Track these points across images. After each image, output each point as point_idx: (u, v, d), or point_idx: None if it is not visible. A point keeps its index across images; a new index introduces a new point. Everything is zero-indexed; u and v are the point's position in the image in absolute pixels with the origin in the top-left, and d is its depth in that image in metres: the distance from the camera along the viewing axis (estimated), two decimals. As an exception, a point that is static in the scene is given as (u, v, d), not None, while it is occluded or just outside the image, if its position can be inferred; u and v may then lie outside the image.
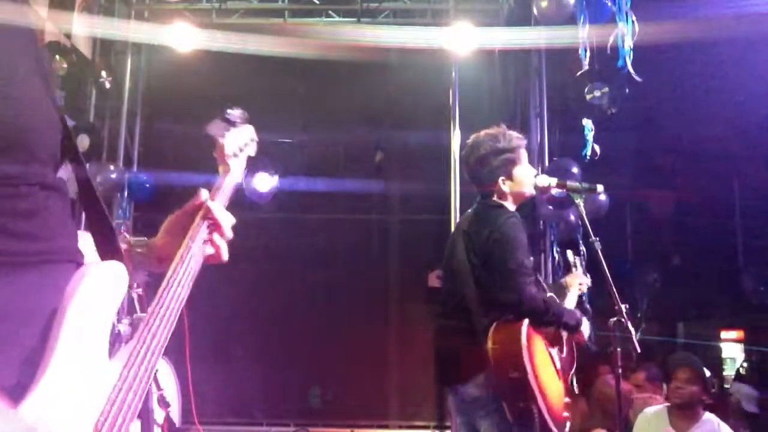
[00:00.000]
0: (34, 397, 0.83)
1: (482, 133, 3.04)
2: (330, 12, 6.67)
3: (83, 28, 6.04)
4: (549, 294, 2.93)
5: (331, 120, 7.00)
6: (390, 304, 6.91)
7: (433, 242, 6.46)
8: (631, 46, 4.87)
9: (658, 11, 5.22)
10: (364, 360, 6.61)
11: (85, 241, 1.11)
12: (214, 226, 1.22)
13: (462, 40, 6.12)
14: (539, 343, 2.68)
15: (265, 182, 6.27)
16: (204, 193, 1.26)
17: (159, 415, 3.98)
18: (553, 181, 3.02)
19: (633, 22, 4.91)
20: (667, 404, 3.93)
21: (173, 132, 6.74)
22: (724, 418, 3.94)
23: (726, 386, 5.29)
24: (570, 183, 3.03)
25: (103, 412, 0.89)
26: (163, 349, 1.04)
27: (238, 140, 1.42)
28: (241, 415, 6.46)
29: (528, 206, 5.71)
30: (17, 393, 0.82)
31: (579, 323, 2.79)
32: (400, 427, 6.65)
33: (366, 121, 6.97)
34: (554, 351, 2.80)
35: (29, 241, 0.94)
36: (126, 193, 6.44)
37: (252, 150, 1.51)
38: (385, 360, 6.81)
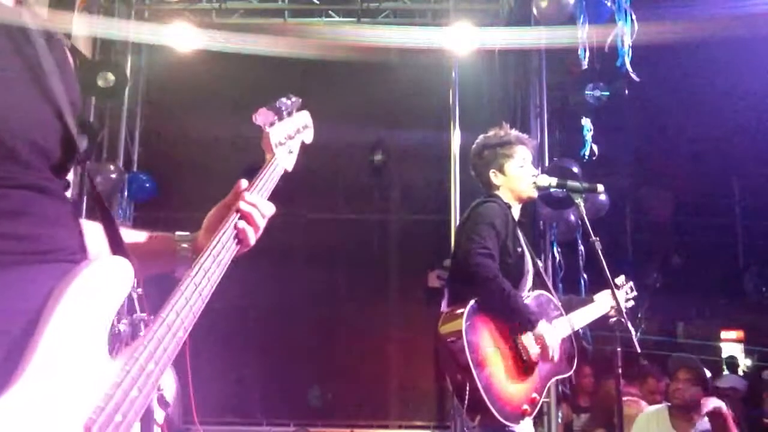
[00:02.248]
0: (11, 394, 0.82)
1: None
2: (330, 12, 6.67)
3: (83, 28, 6.03)
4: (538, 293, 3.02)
5: (331, 120, 6.99)
6: (390, 304, 6.90)
7: (433, 242, 6.47)
8: (630, 45, 4.87)
9: (658, 11, 5.22)
10: (364, 360, 6.62)
11: (97, 239, 1.10)
12: (245, 217, 1.22)
13: (462, 40, 6.12)
14: (491, 332, 2.74)
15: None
16: (243, 183, 1.26)
17: (159, 415, 3.98)
18: (553, 181, 3.03)
19: (633, 20, 4.91)
20: (668, 404, 3.93)
21: (173, 132, 6.74)
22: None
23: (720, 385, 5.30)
24: (570, 183, 3.03)
25: (96, 409, 0.87)
26: (180, 345, 1.02)
27: (287, 128, 1.41)
28: (241, 415, 6.46)
29: (528, 206, 5.72)
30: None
31: (528, 321, 2.76)
32: (400, 427, 6.65)
33: (366, 121, 6.97)
34: (532, 350, 2.77)
35: (13, 240, 0.93)
36: (126, 193, 6.45)
37: (307, 136, 1.50)
38: (385, 360, 6.81)
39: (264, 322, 6.57)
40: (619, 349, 2.72)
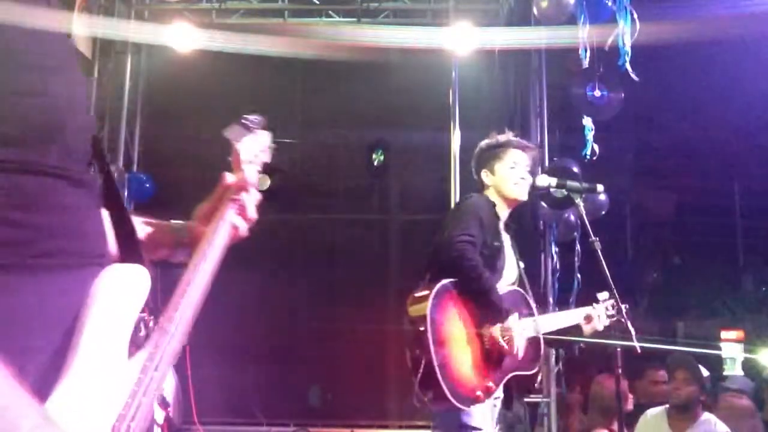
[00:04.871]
0: (55, 397, 0.84)
1: None
2: (330, 12, 6.67)
3: (83, 28, 6.03)
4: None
5: (331, 120, 7.00)
6: (390, 304, 6.90)
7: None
8: (630, 44, 4.87)
9: (658, 11, 5.22)
10: (364, 360, 6.61)
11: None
12: (238, 207, 1.27)
13: (462, 40, 6.12)
14: (460, 315, 2.82)
15: (263, 182, 6.27)
16: (229, 176, 1.31)
17: (159, 415, 3.99)
18: (553, 181, 3.04)
19: (634, 20, 4.91)
20: (666, 406, 3.93)
21: (173, 132, 6.74)
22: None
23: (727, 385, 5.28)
24: (570, 183, 3.04)
25: (121, 415, 0.91)
26: (181, 342, 1.05)
27: (255, 146, 1.44)
28: (241, 415, 6.46)
29: (527, 207, 5.72)
30: (42, 394, 0.83)
31: (499, 311, 2.82)
32: (400, 427, 6.64)
33: (366, 121, 6.97)
34: (498, 340, 2.81)
35: (65, 239, 0.93)
36: (126, 193, 6.45)
37: (267, 156, 1.53)
38: (385, 360, 6.80)
39: (264, 322, 6.57)
40: (619, 349, 2.72)
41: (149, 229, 1.29)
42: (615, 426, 3.94)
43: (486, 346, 2.81)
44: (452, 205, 6.09)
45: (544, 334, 3.04)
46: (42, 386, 0.84)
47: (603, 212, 5.50)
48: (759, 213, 9.03)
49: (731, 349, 10.04)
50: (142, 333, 1.09)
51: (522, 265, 3.25)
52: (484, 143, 3.30)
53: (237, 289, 6.46)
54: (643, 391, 4.70)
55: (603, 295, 3.22)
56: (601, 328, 3.19)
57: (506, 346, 2.79)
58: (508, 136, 3.28)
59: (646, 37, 4.89)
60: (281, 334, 6.54)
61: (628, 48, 4.89)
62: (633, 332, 2.70)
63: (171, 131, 6.73)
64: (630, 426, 3.88)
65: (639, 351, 2.68)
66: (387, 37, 6.12)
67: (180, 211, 1.43)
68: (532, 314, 3.05)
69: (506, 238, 3.14)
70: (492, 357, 2.83)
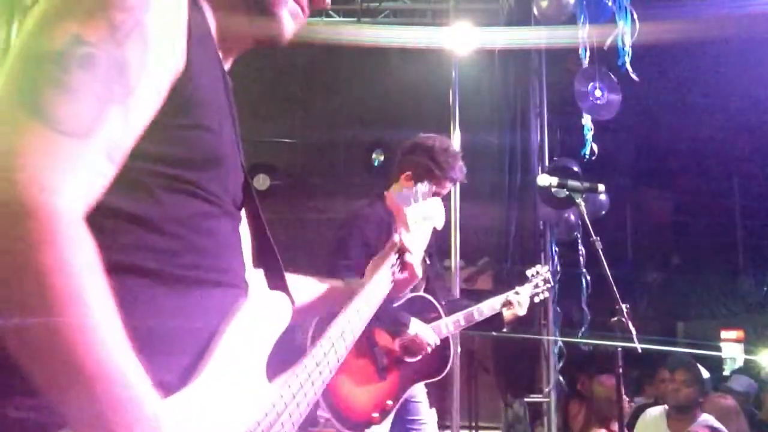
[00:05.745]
0: (179, 398, 0.87)
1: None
2: (330, 12, 6.66)
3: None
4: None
5: (331, 120, 7.00)
6: (390, 304, 6.90)
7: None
8: (630, 44, 4.87)
9: (658, 11, 5.22)
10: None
11: (254, 276, 1.19)
12: (402, 255, 1.45)
13: (462, 40, 6.11)
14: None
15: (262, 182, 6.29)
16: (396, 237, 1.47)
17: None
18: (554, 180, 3.02)
19: (634, 20, 4.91)
20: (666, 407, 3.94)
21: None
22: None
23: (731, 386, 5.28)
24: (571, 182, 3.03)
25: (254, 423, 0.96)
26: (326, 382, 1.15)
27: (422, 212, 1.59)
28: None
29: (527, 206, 5.73)
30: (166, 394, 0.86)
31: (396, 322, 2.69)
32: (400, 427, 6.64)
33: (366, 121, 6.97)
34: (398, 351, 2.71)
35: (209, 258, 0.99)
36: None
37: (438, 222, 1.68)
38: (385, 360, 6.81)
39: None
40: (619, 349, 2.71)
41: (324, 288, 1.44)
42: (615, 426, 3.94)
43: (381, 364, 2.67)
44: (452, 206, 6.09)
45: (463, 328, 2.93)
46: (173, 383, 0.88)
47: (603, 212, 5.50)
48: (759, 213, 9.03)
49: (731, 349, 10.04)
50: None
51: (439, 266, 3.12)
52: (427, 141, 3.10)
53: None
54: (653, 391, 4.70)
55: (531, 271, 3.15)
56: (522, 312, 3.07)
57: (411, 357, 2.68)
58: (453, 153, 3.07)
59: (646, 37, 4.89)
60: (281, 334, 6.53)
61: (628, 48, 4.90)
62: (633, 332, 2.70)
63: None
64: (629, 427, 3.88)
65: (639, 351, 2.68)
66: (387, 37, 6.12)
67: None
68: (438, 316, 2.89)
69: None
70: (387, 371, 2.68)
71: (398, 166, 3.06)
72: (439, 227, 1.69)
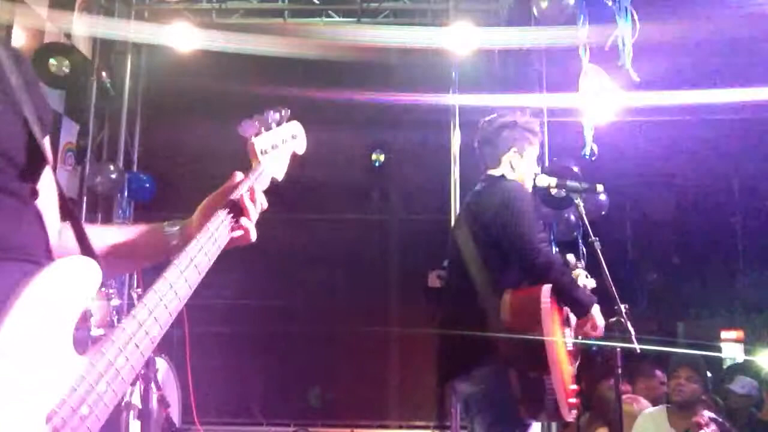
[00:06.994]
0: None
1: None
2: (330, 12, 6.66)
3: (83, 28, 6.03)
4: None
5: (331, 120, 6.99)
6: (390, 304, 6.90)
7: (433, 242, 6.45)
8: (630, 44, 4.86)
9: (658, 11, 5.21)
10: (364, 360, 6.61)
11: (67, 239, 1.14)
12: (241, 209, 1.24)
13: (462, 40, 6.11)
14: (557, 317, 2.52)
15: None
16: (238, 175, 1.30)
17: (159, 415, 3.99)
18: (553, 180, 3.01)
19: (634, 20, 4.90)
20: (667, 405, 3.93)
21: (173, 132, 6.74)
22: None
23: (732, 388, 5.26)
24: (570, 183, 3.02)
25: (60, 402, 0.89)
26: (155, 341, 1.02)
27: (273, 138, 1.44)
28: (241, 415, 6.46)
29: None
30: None
31: (591, 303, 2.61)
32: (400, 427, 6.64)
33: (366, 121, 6.96)
34: (567, 333, 2.67)
35: None
36: (126, 193, 6.44)
37: (299, 147, 1.54)
38: (385, 360, 6.80)
39: (264, 322, 6.57)
40: (619, 349, 2.71)
41: (134, 235, 1.28)
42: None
43: (567, 349, 2.59)
44: (452, 206, 6.09)
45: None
46: None
47: (603, 212, 5.49)
48: (759, 213, 9.03)
49: (731, 349, 10.03)
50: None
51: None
52: (511, 116, 2.92)
53: (237, 288, 6.48)
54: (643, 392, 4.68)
55: (571, 258, 2.97)
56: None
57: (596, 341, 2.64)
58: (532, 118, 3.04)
59: (646, 37, 4.88)
60: (281, 334, 6.54)
61: (628, 48, 4.89)
62: (633, 332, 2.69)
63: (171, 131, 6.73)
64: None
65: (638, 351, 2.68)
66: (387, 37, 6.12)
67: (180, 210, 1.42)
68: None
69: None
70: (571, 358, 2.62)
71: (496, 148, 2.87)
72: (300, 152, 1.54)
